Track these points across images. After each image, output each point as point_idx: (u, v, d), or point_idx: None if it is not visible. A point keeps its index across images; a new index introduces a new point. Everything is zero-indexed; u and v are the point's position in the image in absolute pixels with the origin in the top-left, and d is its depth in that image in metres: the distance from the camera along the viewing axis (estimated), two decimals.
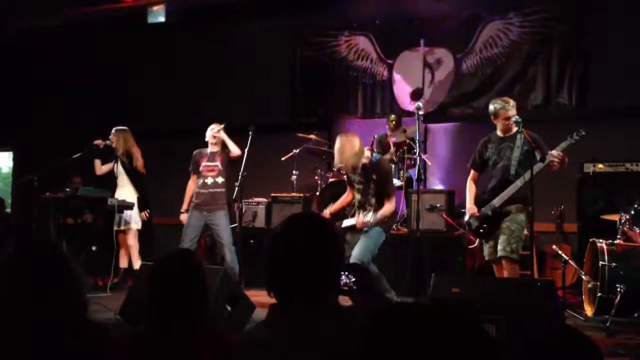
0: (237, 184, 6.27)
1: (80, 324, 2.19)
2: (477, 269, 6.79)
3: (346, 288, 5.62)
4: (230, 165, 6.74)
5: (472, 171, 5.73)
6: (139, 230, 7.36)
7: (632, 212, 5.45)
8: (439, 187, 8.35)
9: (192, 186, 6.88)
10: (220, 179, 6.72)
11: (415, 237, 5.82)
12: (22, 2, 8.83)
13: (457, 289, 4.34)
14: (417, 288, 5.22)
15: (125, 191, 7.38)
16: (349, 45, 9.24)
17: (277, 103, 9.44)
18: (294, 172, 8.11)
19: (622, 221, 5.54)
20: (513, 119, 5.34)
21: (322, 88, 9.27)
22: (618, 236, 5.57)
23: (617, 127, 7.47)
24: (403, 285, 6.18)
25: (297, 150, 7.99)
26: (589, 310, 5.58)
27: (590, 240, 5.73)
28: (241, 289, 5.36)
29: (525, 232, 5.39)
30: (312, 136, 8.19)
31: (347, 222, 5.56)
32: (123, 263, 7.43)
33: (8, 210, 10.31)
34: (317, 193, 7.81)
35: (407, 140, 7.75)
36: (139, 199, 7.35)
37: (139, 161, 7.40)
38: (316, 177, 8.05)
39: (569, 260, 6.00)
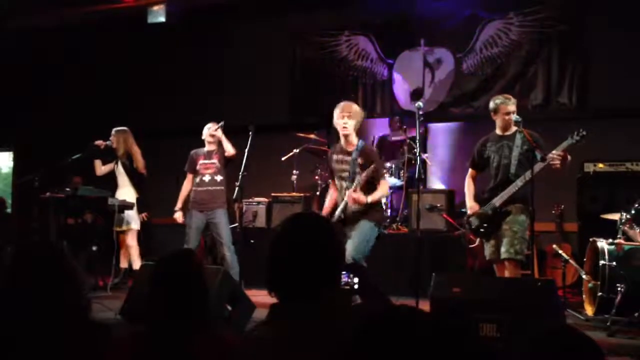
0: (237, 183, 6.27)
1: (82, 324, 2.19)
2: (477, 268, 6.79)
3: (347, 287, 5.62)
4: (227, 164, 6.72)
5: (470, 170, 5.73)
6: (138, 231, 7.36)
7: (633, 212, 5.44)
8: (439, 186, 8.35)
9: (187, 186, 6.88)
10: (218, 177, 6.71)
11: (416, 237, 5.81)
12: (22, 2, 8.83)
13: (458, 289, 4.35)
14: (418, 288, 5.21)
15: (126, 192, 7.38)
16: (349, 45, 9.23)
17: (277, 103, 9.44)
18: (294, 172, 8.11)
19: (623, 220, 5.53)
20: (513, 117, 5.34)
21: (322, 88, 9.26)
22: (618, 235, 5.56)
23: (617, 126, 7.47)
24: (403, 285, 6.19)
25: (298, 150, 7.99)
26: (589, 310, 5.58)
27: (591, 239, 5.73)
28: (241, 289, 5.36)
29: (527, 232, 5.38)
30: (312, 136, 8.19)
31: (337, 214, 5.45)
32: (123, 263, 7.43)
33: (8, 210, 10.32)
34: (317, 193, 7.81)
35: (407, 140, 7.75)
36: (138, 200, 7.35)
37: (139, 162, 7.40)
38: (316, 177, 8.05)
39: (570, 260, 6.00)
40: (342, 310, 1.92)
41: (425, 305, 4.62)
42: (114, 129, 7.50)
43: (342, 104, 5.53)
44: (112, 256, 7.00)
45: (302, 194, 7.95)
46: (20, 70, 10.16)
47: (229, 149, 6.62)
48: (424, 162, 7.49)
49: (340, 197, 5.51)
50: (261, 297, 5.08)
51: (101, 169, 7.60)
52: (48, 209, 7.01)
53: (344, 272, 5.24)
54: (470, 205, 5.56)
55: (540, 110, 8.00)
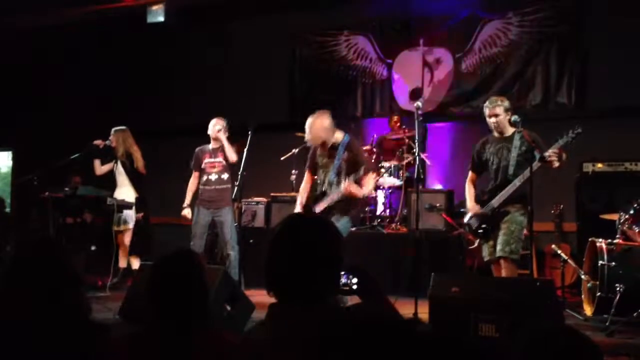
0: (236, 183, 6.27)
1: (81, 324, 2.19)
2: (476, 268, 6.79)
3: (346, 288, 5.62)
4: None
5: (470, 173, 5.72)
6: (131, 229, 7.37)
7: (632, 212, 5.45)
8: (439, 186, 8.35)
9: (193, 183, 6.88)
10: (225, 175, 6.71)
11: (415, 237, 5.82)
12: (22, 2, 8.82)
13: (457, 289, 4.35)
14: (417, 288, 5.22)
15: (125, 191, 7.37)
16: (349, 44, 9.24)
17: (276, 102, 9.44)
18: (293, 171, 8.10)
19: (622, 220, 5.54)
20: (512, 118, 5.33)
21: (321, 87, 9.27)
22: (617, 235, 5.57)
23: (616, 126, 7.47)
24: (403, 285, 6.19)
25: (297, 150, 7.98)
26: (588, 310, 5.58)
27: (590, 239, 5.73)
28: (240, 289, 5.36)
29: (525, 232, 5.38)
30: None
31: (321, 205, 5.55)
32: (122, 263, 7.42)
33: (7, 210, 10.31)
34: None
35: (407, 139, 7.75)
36: (137, 199, 7.35)
37: (139, 162, 7.40)
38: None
39: (568, 260, 6.00)
40: (340, 310, 1.92)
41: (424, 305, 4.63)
42: (113, 129, 7.49)
43: (307, 127, 5.66)
44: (111, 256, 7.00)
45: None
46: (20, 70, 10.15)
47: (231, 157, 6.59)
48: (423, 161, 7.50)
49: (321, 189, 5.66)
50: (260, 297, 5.08)
51: (100, 168, 7.60)
52: (47, 208, 7.00)
53: (343, 273, 5.24)
54: (471, 206, 5.56)
55: (539, 110, 8.00)
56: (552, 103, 8.05)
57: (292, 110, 9.48)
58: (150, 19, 9.02)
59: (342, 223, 5.40)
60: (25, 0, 8.82)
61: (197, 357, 2.13)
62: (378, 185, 7.75)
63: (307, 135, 5.66)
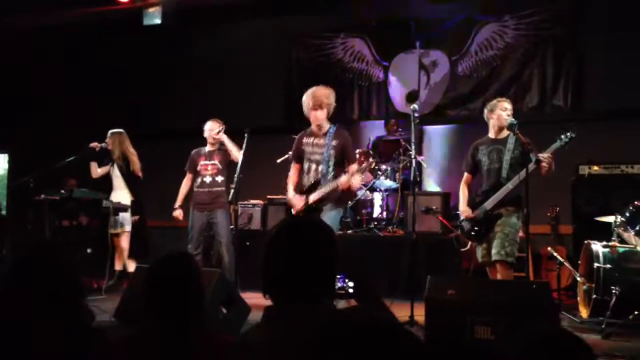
0: (232, 186, 6.26)
1: (79, 327, 2.19)
2: (472, 270, 6.80)
3: (342, 292, 5.62)
4: (229, 164, 6.68)
5: (465, 174, 5.74)
6: (129, 232, 7.36)
7: (627, 214, 5.46)
8: (435, 189, 8.36)
9: (186, 184, 6.87)
10: (219, 178, 6.69)
11: (411, 239, 5.82)
12: (19, 2, 8.80)
13: (453, 291, 4.35)
14: (413, 290, 5.22)
15: (121, 194, 7.37)
16: (345, 47, 9.24)
17: (273, 105, 9.43)
18: (289, 174, 8.10)
19: (617, 223, 5.55)
20: (508, 120, 5.35)
21: None
22: (613, 238, 5.58)
23: (612, 129, 7.49)
24: (399, 288, 6.19)
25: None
26: (584, 312, 5.59)
27: (585, 242, 5.75)
28: (237, 291, 5.36)
29: (521, 234, 5.39)
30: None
31: (315, 196, 5.54)
32: (118, 265, 7.42)
33: (4, 212, 10.28)
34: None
35: (403, 142, 7.76)
36: (132, 202, 7.34)
37: (135, 164, 7.40)
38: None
39: (564, 262, 6.01)
40: (336, 313, 1.92)
41: (420, 308, 4.63)
42: (110, 131, 7.49)
43: (310, 93, 5.65)
44: (107, 258, 6.99)
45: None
46: (17, 72, 10.13)
47: (236, 155, 6.48)
48: (419, 164, 7.50)
49: (310, 179, 5.63)
50: (256, 300, 5.08)
51: (97, 171, 7.59)
52: (43, 211, 6.99)
53: (339, 276, 5.26)
54: (463, 210, 5.57)
55: (536, 113, 8.01)
56: (548, 106, 8.06)
57: (289, 112, 9.47)
58: (147, 21, 9.01)
59: (333, 215, 5.46)
60: (23, 0, 8.80)
61: (195, 359, 2.13)
62: (374, 188, 7.76)
63: (309, 101, 5.59)
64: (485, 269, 5.61)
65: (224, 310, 4.82)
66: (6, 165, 11.63)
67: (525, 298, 4.23)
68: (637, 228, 5.35)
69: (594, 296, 5.31)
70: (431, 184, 8.53)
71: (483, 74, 8.44)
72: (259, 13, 9.23)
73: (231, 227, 6.66)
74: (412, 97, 8.66)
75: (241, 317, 4.97)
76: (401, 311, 5.05)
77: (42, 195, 6.98)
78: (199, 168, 6.75)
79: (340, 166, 5.55)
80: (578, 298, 5.88)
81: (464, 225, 5.55)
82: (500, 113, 5.44)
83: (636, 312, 4.94)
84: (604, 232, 5.72)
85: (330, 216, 5.42)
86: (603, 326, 5.01)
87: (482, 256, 5.46)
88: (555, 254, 6.00)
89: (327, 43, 9.32)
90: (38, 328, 2.09)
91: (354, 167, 5.49)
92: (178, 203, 6.84)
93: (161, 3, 8.96)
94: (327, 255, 1.92)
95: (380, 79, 9.04)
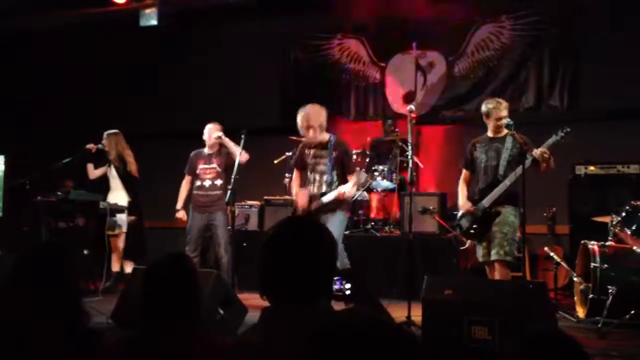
0: (229, 187, 6.26)
1: (78, 328, 2.19)
2: (470, 270, 6.81)
3: (340, 294, 5.62)
4: (228, 167, 6.65)
5: (464, 171, 5.75)
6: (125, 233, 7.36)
7: (624, 214, 5.47)
8: (432, 189, 8.36)
9: (186, 187, 6.85)
10: (218, 182, 6.67)
11: (408, 240, 5.83)
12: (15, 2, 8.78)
13: (450, 291, 4.36)
14: (410, 290, 5.22)
15: (118, 195, 7.36)
16: (342, 48, 9.25)
17: (269, 106, 9.44)
18: (286, 175, 8.10)
19: (614, 223, 5.57)
20: (504, 121, 5.38)
21: (314, 91, 9.25)
22: (609, 238, 5.60)
23: (608, 129, 7.51)
24: (396, 288, 6.19)
25: (290, 154, 7.98)
26: (580, 312, 5.60)
27: (582, 242, 5.75)
28: (234, 292, 5.36)
29: (518, 234, 5.40)
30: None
31: (317, 203, 5.62)
32: (115, 267, 7.40)
33: (0, 214, 10.25)
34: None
35: (400, 143, 7.76)
36: (129, 203, 7.33)
37: (132, 165, 7.39)
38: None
39: (561, 262, 6.02)
40: (333, 314, 1.92)
41: (417, 308, 4.63)
42: (106, 132, 7.48)
43: (302, 114, 5.71)
44: (104, 260, 6.98)
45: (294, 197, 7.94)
46: (15, 73, 10.10)
47: (243, 157, 6.37)
48: (416, 164, 7.51)
49: (314, 189, 5.71)
50: (254, 301, 5.08)
51: (94, 172, 7.57)
52: (39, 212, 6.98)
53: (336, 279, 5.26)
54: (463, 203, 5.58)
55: (532, 113, 8.03)
56: (544, 106, 8.09)
57: (285, 113, 9.46)
58: (143, 23, 9.00)
59: (339, 217, 5.55)
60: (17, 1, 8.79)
61: None
62: (371, 189, 7.76)
63: (302, 121, 5.66)
64: (483, 268, 5.62)
65: (221, 311, 4.82)
66: (2, 167, 11.60)
67: (522, 298, 4.23)
68: (634, 228, 5.36)
69: (591, 296, 5.32)
70: (428, 185, 8.53)
71: (480, 75, 8.46)
72: (255, 14, 9.22)
73: (228, 227, 6.66)
74: (408, 97, 8.67)
75: (238, 318, 4.97)
76: (398, 312, 5.06)
77: (39, 197, 6.96)
78: (198, 171, 6.73)
79: (343, 176, 5.64)
80: (575, 298, 5.89)
81: (463, 223, 5.56)
82: (495, 122, 5.47)
83: (633, 312, 4.96)
84: (601, 232, 5.74)
85: (337, 220, 5.54)
86: (600, 326, 5.01)
87: (482, 255, 5.46)
88: (552, 254, 6.01)
89: (324, 44, 9.32)
90: (36, 329, 2.09)
91: (354, 178, 5.57)
92: (180, 205, 6.83)
93: (157, 4, 8.94)
94: (325, 256, 1.92)
95: (377, 80, 9.05)
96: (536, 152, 5.14)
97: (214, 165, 6.70)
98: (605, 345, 4.61)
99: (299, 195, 5.80)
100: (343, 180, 5.59)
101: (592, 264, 5.38)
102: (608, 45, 7.65)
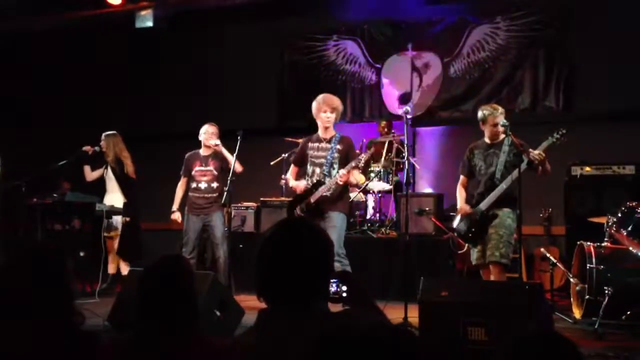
0: (225, 188, 6.26)
1: (72, 331, 2.18)
2: (466, 272, 6.81)
3: (336, 296, 5.61)
4: (224, 170, 6.64)
5: (462, 177, 5.76)
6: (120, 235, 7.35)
7: (619, 215, 5.48)
8: (428, 190, 8.37)
9: (182, 188, 6.83)
10: (214, 184, 6.65)
11: (404, 241, 5.83)
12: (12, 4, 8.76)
13: (446, 293, 4.36)
14: (406, 292, 5.22)
15: (115, 197, 7.35)
16: (337, 49, 9.25)
17: (265, 107, 9.43)
18: (282, 176, 8.09)
19: (610, 224, 5.57)
20: (500, 122, 5.38)
21: (310, 92, 9.22)
22: (605, 239, 5.61)
23: (604, 129, 7.53)
24: (392, 289, 6.19)
25: (286, 155, 7.97)
26: (577, 313, 5.61)
27: (578, 242, 5.76)
28: (231, 294, 5.35)
29: (514, 236, 5.41)
30: (301, 140, 8.16)
31: (315, 195, 5.63)
32: (111, 269, 7.38)
33: None
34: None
35: (396, 144, 7.77)
36: (125, 204, 7.32)
37: (129, 167, 7.38)
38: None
39: (557, 263, 6.02)
40: (330, 316, 1.92)
41: (414, 310, 4.64)
42: (104, 134, 7.46)
43: (323, 97, 5.76)
44: (100, 262, 6.96)
45: (290, 199, 7.92)
46: (15, 72, 10.08)
47: (238, 167, 6.41)
48: (412, 166, 7.52)
49: (311, 181, 5.73)
50: (251, 302, 5.08)
51: (91, 174, 7.56)
52: (35, 214, 6.96)
53: (333, 280, 5.25)
54: (461, 206, 5.60)
55: (528, 114, 8.05)
56: (540, 107, 8.10)
57: (281, 115, 9.48)
58: (139, 24, 8.98)
59: (339, 220, 5.57)
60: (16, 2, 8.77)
61: None
62: (367, 190, 7.76)
63: (322, 105, 5.71)
64: (479, 271, 5.63)
65: (218, 313, 4.82)
66: None
67: (518, 299, 4.23)
68: (630, 228, 5.37)
69: (587, 297, 5.32)
70: (424, 186, 8.53)
71: (475, 76, 8.47)
72: (251, 15, 9.21)
73: (225, 229, 6.65)
74: (404, 99, 8.68)
75: (235, 319, 4.97)
76: (395, 313, 5.06)
77: (35, 199, 6.94)
78: (193, 173, 6.71)
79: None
80: (571, 299, 5.89)
81: (460, 227, 5.57)
82: (491, 128, 5.49)
83: (629, 312, 4.97)
84: (597, 233, 5.75)
85: (337, 222, 5.55)
86: (596, 326, 5.02)
87: (476, 258, 5.48)
88: (548, 255, 6.02)
89: (320, 45, 9.32)
90: (29, 331, 2.09)
91: (352, 162, 5.56)
92: (175, 206, 6.81)
93: (153, 6, 8.93)
94: (320, 258, 1.92)
95: (373, 81, 9.05)
96: (532, 154, 5.15)
97: (210, 167, 6.68)
98: (601, 346, 4.61)
99: (298, 184, 5.88)
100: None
101: (588, 265, 5.38)
102: (603, 47, 7.67)
